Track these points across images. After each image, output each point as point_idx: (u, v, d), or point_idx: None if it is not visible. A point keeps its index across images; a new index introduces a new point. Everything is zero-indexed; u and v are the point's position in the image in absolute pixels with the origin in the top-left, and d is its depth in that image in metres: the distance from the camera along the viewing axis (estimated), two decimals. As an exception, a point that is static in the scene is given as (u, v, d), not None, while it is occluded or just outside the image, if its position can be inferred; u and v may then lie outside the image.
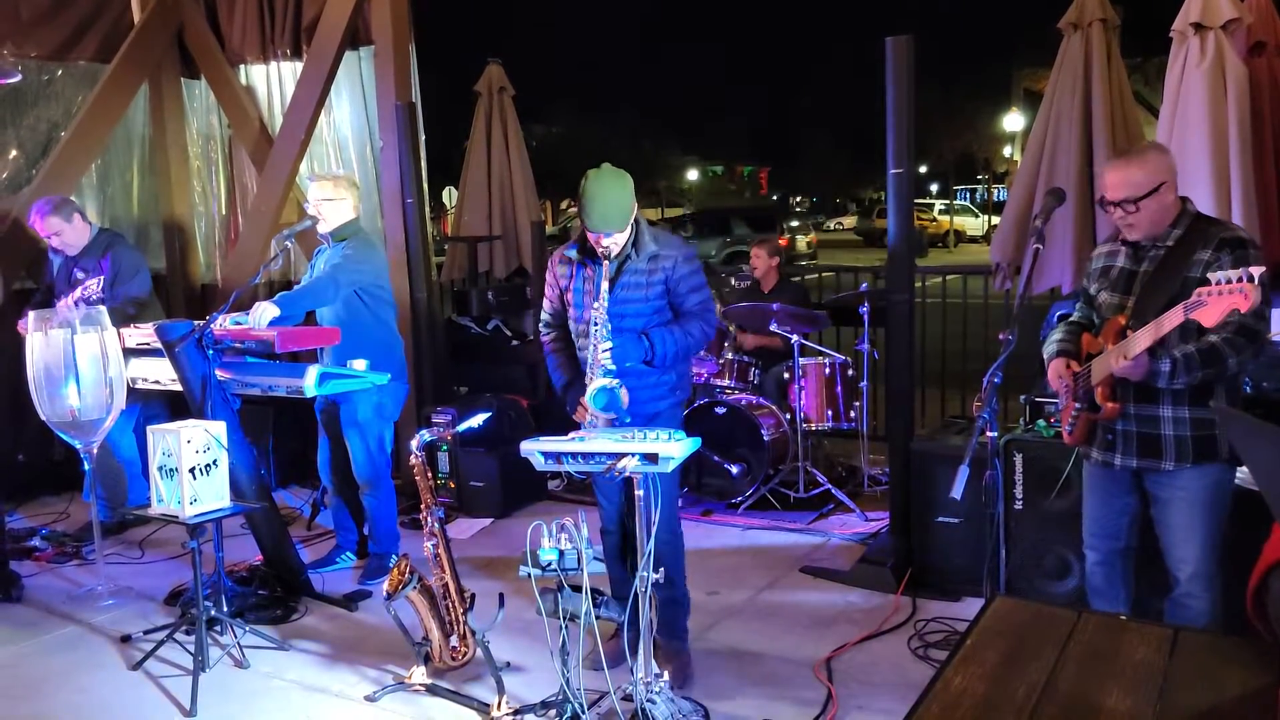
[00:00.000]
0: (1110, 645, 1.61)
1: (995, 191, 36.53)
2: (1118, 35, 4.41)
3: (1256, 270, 2.23)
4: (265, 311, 3.61)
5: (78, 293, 4.26)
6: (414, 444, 3.22)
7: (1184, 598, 2.69)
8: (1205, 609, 2.66)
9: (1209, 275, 2.30)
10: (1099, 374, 2.66)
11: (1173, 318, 2.38)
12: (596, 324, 2.96)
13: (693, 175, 48.27)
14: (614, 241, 3.00)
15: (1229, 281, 2.23)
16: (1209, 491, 2.64)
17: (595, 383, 2.92)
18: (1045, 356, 2.89)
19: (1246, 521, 2.72)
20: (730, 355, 5.14)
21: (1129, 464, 2.70)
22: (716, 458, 4.80)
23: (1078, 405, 2.76)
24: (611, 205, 2.94)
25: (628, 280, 3.05)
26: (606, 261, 3.01)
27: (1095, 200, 2.76)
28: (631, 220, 3.01)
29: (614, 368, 2.94)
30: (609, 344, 2.94)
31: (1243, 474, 2.81)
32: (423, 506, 3.21)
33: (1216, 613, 2.67)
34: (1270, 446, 1.46)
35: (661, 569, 2.87)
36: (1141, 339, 2.47)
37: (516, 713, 2.92)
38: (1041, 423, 3.59)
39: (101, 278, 4.40)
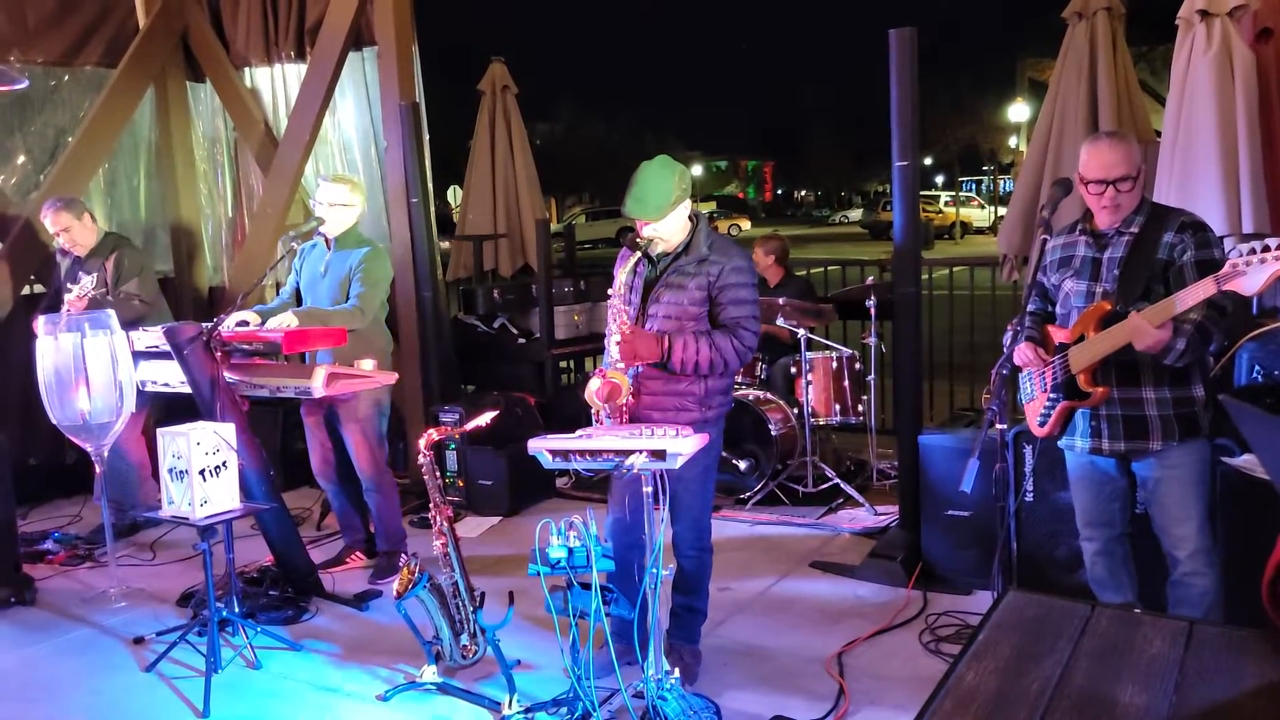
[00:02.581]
0: (1124, 639, 1.60)
1: (1001, 182, 36.39)
2: (1123, 24, 4.39)
3: None
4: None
5: (76, 290, 4.26)
6: (422, 443, 3.22)
7: (1188, 577, 2.71)
8: (1209, 585, 2.69)
9: (1239, 247, 2.36)
10: (1083, 360, 2.67)
11: (1203, 288, 2.39)
12: (612, 314, 2.96)
13: (697, 170, 48.22)
14: (656, 233, 2.94)
15: (1265, 250, 2.26)
16: (1199, 468, 2.70)
17: (598, 375, 2.92)
18: (1009, 343, 2.86)
19: (1249, 508, 2.74)
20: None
21: (1118, 447, 2.74)
22: (724, 453, 4.80)
23: (1051, 396, 2.78)
24: (645, 190, 2.90)
25: (670, 280, 2.98)
26: (638, 253, 2.99)
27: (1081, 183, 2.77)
28: (673, 213, 2.92)
29: (623, 363, 2.94)
30: (617, 336, 2.93)
31: (1243, 460, 2.83)
32: (431, 505, 3.21)
33: (1219, 589, 2.70)
34: (1277, 436, 1.45)
35: (671, 566, 2.87)
36: (1165, 309, 2.48)
37: (528, 711, 2.92)
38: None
39: (98, 275, 4.40)
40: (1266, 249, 2.25)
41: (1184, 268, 2.60)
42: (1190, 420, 2.68)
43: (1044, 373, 2.81)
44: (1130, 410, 2.70)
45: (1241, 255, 2.29)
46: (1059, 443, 2.90)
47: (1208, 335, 2.58)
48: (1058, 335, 2.80)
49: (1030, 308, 2.94)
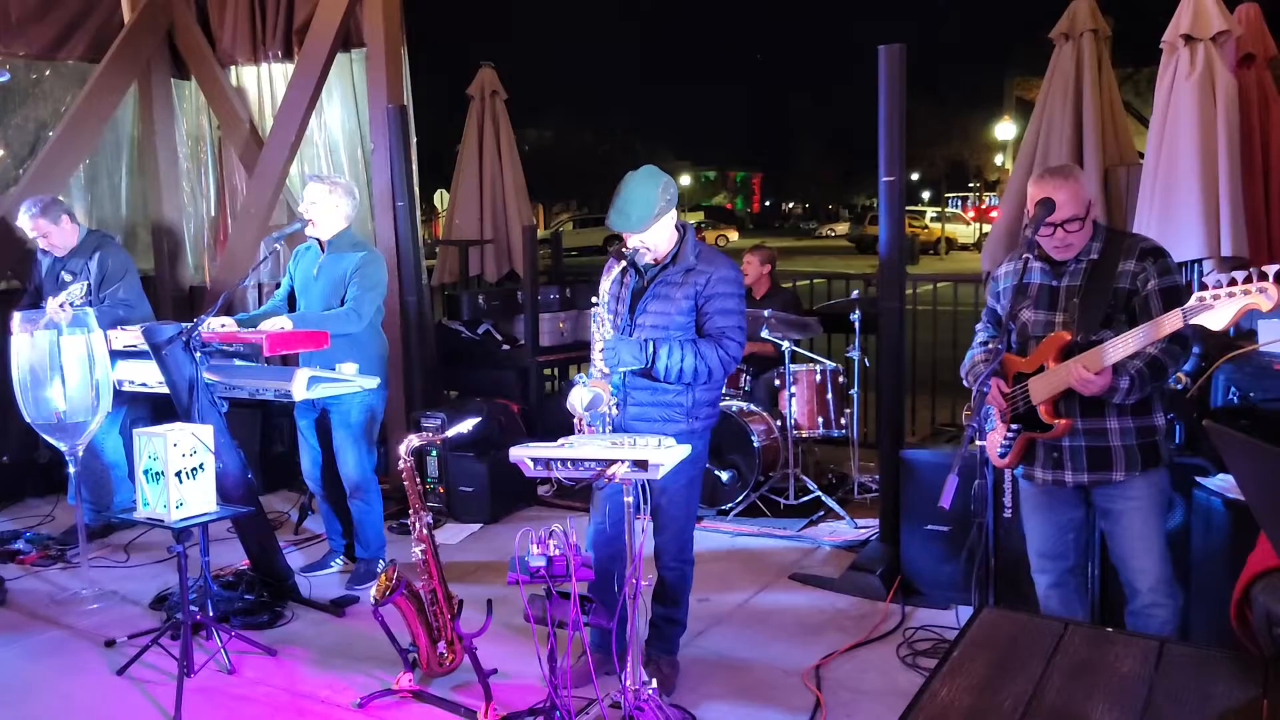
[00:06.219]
0: (1096, 657, 1.61)
1: (986, 199, 36.67)
2: (1109, 46, 4.45)
3: (1271, 268, 2.24)
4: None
5: (62, 297, 4.21)
6: (403, 449, 3.20)
7: (1148, 608, 2.67)
8: (1170, 616, 2.66)
9: (1204, 280, 2.31)
10: (1042, 391, 2.62)
11: (1170, 321, 2.37)
12: (596, 323, 2.95)
13: (685, 180, 48.34)
14: (642, 244, 2.93)
15: (1232, 284, 2.23)
16: (1160, 497, 2.69)
17: (580, 384, 2.92)
18: (976, 382, 2.74)
19: (1220, 529, 2.75)
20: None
21: (1080, 479, 2.69)
22: (707, 464, 4.80)
23: (1013, 427, 2.73)
24: (628, 202, 2.89)
25: (657, 291, 2.97)
26: (621, 262, 2.99)
27: (1023, 225, 2.73)
28: (657, 224, 2.91)
29: (608, 371, 2.93)
30: (601, 345, 2.92)
31: (1219, 481, 2.84)
32: (411, 511, 3.19)
33: (1180, 618, 2.68)
34: (1259, 462, 1.46)
35: (651, 577, 2.86)
36: (1116, 349, 2.45)
37: (503, 720, 2.90)
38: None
39: (85, 283, 4.34)
40: (1234, 282, 2.23)
41: (1149, 297, 2.56)
42: (1152, 449, 2.65)
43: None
44: (1095, 441, 2.65)
45: (1209, 288, 2.26)
46: (1016, 472, 2.85)
47: (1160, 369, 2.54)
48: (1016, 365, 2.73)
49: (982, 337, 2.92)
